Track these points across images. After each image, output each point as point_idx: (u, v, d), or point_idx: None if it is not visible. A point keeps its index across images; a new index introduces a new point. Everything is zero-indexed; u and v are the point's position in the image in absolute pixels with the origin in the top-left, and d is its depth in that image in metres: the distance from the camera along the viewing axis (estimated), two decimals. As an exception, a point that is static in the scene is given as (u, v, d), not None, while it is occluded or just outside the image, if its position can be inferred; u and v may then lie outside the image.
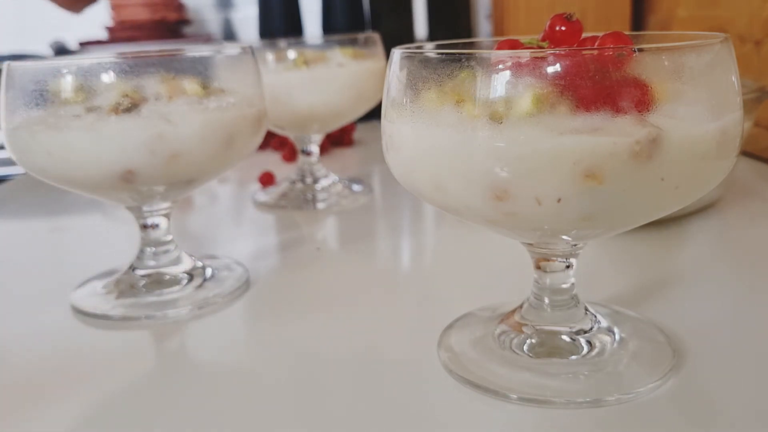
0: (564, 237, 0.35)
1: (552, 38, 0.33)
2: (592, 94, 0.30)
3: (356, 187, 0.80)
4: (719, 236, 0.59)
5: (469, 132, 0.31)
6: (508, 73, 0.30)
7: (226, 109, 0.48)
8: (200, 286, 0.51)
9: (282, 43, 0.73)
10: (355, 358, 0.40)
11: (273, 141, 1.04)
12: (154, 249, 0.52)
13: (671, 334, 0.40)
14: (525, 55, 0.30)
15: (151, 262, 0.52)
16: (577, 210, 0.32)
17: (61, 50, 1.74)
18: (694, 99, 0.31)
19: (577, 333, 0.39)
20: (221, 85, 0.48)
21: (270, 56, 0.73)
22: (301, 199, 0.76)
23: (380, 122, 0.38)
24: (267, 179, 0.83)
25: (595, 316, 0.40)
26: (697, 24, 0.94)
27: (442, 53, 0.33)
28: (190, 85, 0.46)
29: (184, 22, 1.84)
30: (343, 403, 0.36)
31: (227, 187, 0.88)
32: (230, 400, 0.36)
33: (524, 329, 0.39)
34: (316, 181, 0.79)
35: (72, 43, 1.70)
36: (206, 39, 1.83)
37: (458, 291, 0.50)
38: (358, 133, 1.12)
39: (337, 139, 1.06)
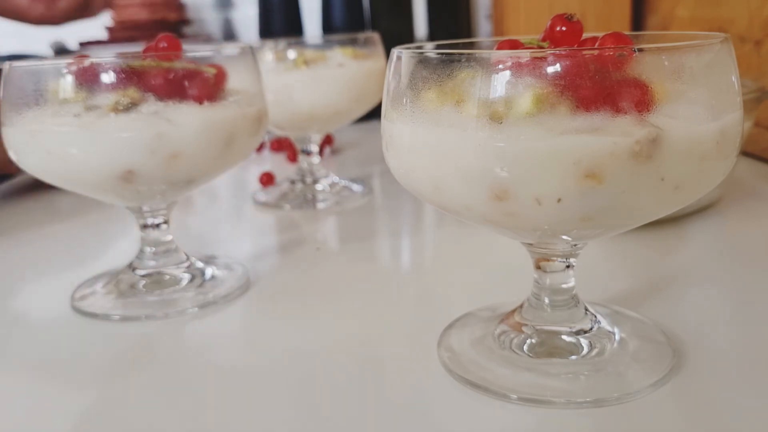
0: (564, 237, 0.35)
1: (552, 38, 0.33)
2: (592, 94, 0.30)
3: (356, 187, 0.80)
4: (719, 236, 0.59)
5: (469, 132, 0.31)
6: (508, 73, 0.30)
7: (226, 108, 0.48)
8: (200, 286, 0.51)
9: (282, 43, 0.73)
10: (355, 358, 0.40)
11: (272, 141, 1.04)
12: (154, 249, 0.52)
13: (671, 334, 0.40)
14: (525, 55, 0.30)
15: (151, 262, 0.52)
16: (577, 210, 0.32)
17: (61, 50, 1.73)
18: (693, 99, 0.31)
19: (577, 333, 0.39)
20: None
21: (270, 56, 0.73)
22: (301, 199, 0.76)
23: (380, 122, 0.38)
24: (267, 179, 0.83)
25: (595, 316, 0.40)
26: (697, 24, 0.94)
27: (442, 53, 0.33)
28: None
29: (184, 22, 1.84)
30: (343, 403, 0.36)
31: (227, 187, 0.87)
32: (230, 400, 0.36)
33: (524, 329, 0.39)
34: (316, 181, 0.79)
35: (72, 43, 1.70)
36: (206, 39, 1.82)
37: (458, 291, 0.50)
38: (358, 133, 1.12)
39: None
